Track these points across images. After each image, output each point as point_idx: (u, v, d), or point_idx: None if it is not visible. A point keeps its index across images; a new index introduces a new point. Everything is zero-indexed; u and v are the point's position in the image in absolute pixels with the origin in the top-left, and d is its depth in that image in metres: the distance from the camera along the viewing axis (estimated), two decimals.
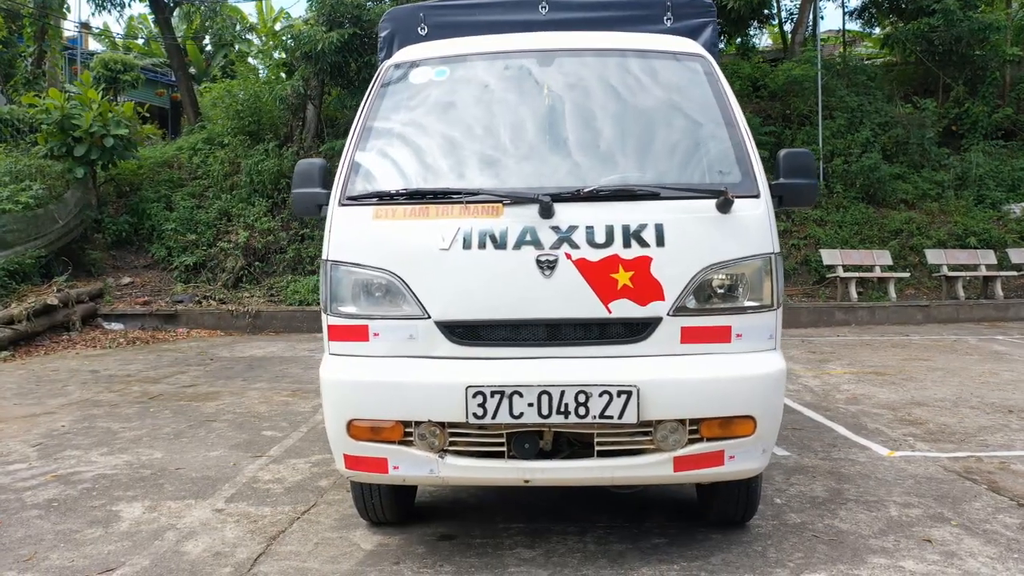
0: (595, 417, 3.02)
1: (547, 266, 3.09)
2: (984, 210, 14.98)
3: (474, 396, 3.03)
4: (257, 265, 13.51)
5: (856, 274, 13.06)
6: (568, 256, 3.09)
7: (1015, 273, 13.70)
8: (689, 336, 3.11)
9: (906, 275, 13.48)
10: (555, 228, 3.11)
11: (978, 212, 14.86)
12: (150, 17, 28.26)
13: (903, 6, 18.41)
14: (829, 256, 13.27)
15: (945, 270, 13.32)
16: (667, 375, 3.05)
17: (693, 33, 4.66)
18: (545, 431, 3.12)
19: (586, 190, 3.15)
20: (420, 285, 3.16)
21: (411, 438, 3.15)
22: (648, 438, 3.09)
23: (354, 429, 3.18)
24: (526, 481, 3.16)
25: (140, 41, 29.83)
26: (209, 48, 28.02)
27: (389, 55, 5.07)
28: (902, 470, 4.78)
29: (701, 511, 3.97)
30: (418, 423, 3.13)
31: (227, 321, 12.22)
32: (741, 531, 3.79)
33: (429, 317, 3.15)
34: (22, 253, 11.67)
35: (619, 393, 3.00)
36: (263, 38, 28.59)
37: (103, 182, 14.09)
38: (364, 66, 13.32)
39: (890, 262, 13.47)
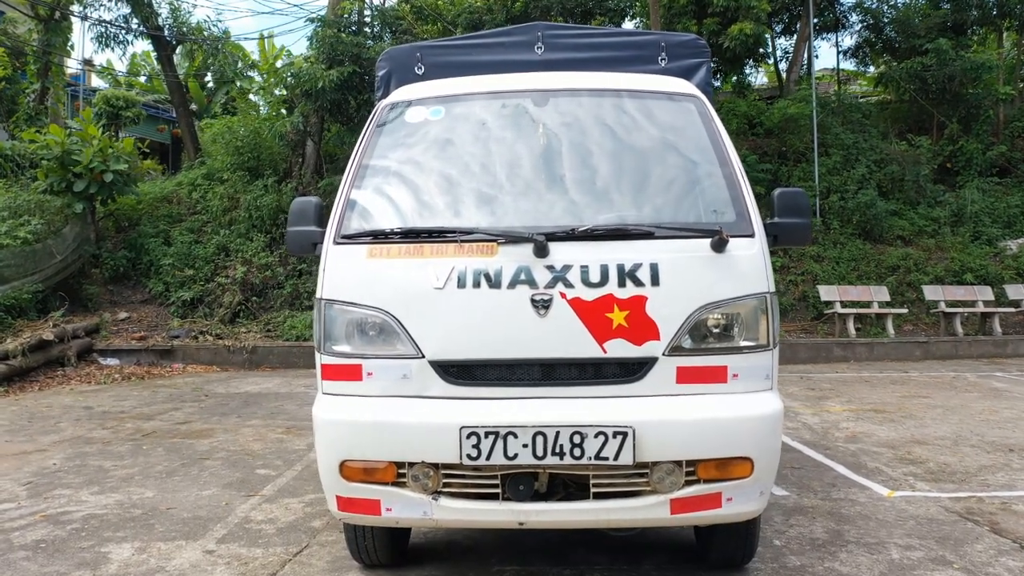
0: (591, 458, 2.99)
1: (542, 305, 3.07)
2: (980, 246, 15.03)
3: (468, 437, 3.00)
4: (255, 300, 13.50)
5: (854, 310, 13.06)
6: (563, 295, 3.07)
7: (1013, 309, 13.70)
8: (685, 376, 3.08)
9: (904, 311, 13.49)
10: (550, 267, 3.10)
11: (974, 248, 14.91)
12: (152, 54, 28.66)
13: (895, 46, 18.70)
14: (827, 292, 13.28)
15: (943, 306, 13.32)
16: (663, 416, 3.02)
17: (687, 73, 4.70)
18: (540, 472, 3.08)
19: (580, 229, 3.14)
20: (414, 324, 3.14)
21: (404, 479, 3.11)
22: (644, 480, 3.05)
23: (347, 470, 3.14)
24: (521, 524, 3.11)
25: (143, 79, 30.13)
26: (211, 85, 28.29)
27: (386, 94, 5.10)
28: (903, 511, 4.73)
29: (700, 553, 3.91)
30: (411, 464, 3.09)
31: (223, 356, 12.17)
32: (740, 574, 3.72)
33: (423, 356, 3.12)
34: (19, 288, 11.65)
35: (615, 434, 2.97)
36: (264, 75, 28.96)
37: (102, 217, 14.12)
38: (363, 103, 13.46)
39: (888, 298, 13.48)
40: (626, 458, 2.97)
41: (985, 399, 8.77)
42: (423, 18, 20.38)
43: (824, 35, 19.98)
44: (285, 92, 24.90)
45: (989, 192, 16.15)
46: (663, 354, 3.07)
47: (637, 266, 3.09)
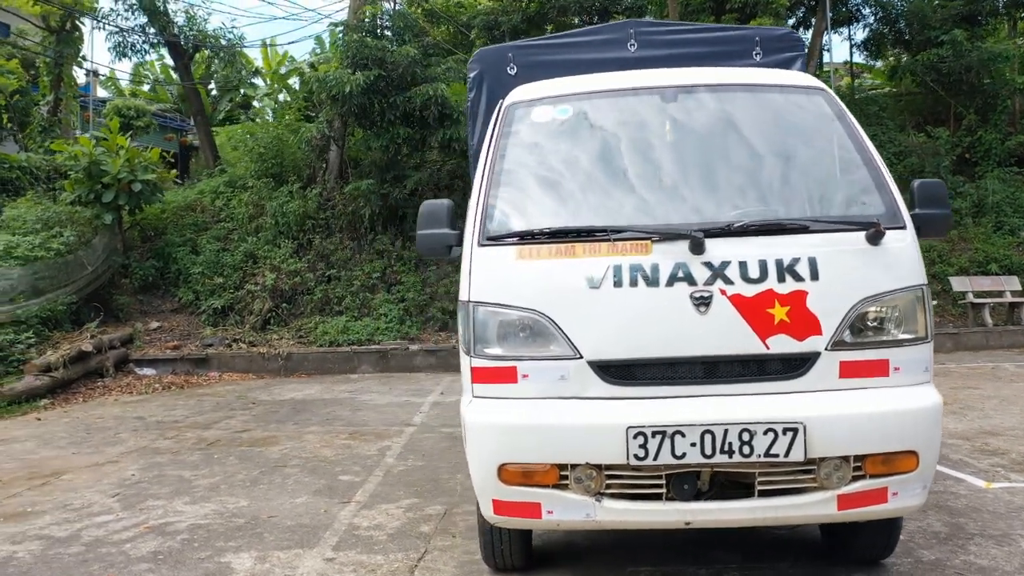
0: (760, 455, 2.97)
1: (702, 303, 3.05)
2: (1003, 236, 15.07)
3: (635, 437, 2.98)
4: (284, 307, 13.44)
5: None
6: (723, 292, 3.05)
7: None
8: (848, 371, 3.07)
9: (934, 303, 13.50)
10: (707, 264, 3.08)
11: (997, 239, 14.95)
12: (156, 63, 28.56)
13: (907, 38, 18.73)
14: None
15: (971, 297, 13.35)
16: (831, 411, 3.00)
17: (783, 67, 4.70)
18: (702, 471, 3.06)
19: (736, 225, 3.12)
20: (570, 325, 3.11)
21: (566, 481, 3.08)
22: (811, 476, 3.03)
23: (506, 473, 3.10)
24: (687, 523, 3.09)
25: (146, 88, 30.04)
26: (215, 92, 28.20)
27: (479, 95, 5.12)
28: (1010, 502, 4.72)
29: (830, 549, 3.90)
30: (574, 466, 3.06)
31: (258, 364, 12.11)
32: (881, 569, 3.72)
33: (581, 357, 3.10)
34: (53, 300, 11.58)
35: (784, 430, 2.95)
36: (267, 82, 28.90)
37: (128, 227, 14.05)
38: (388, 107, 13.40)
39: None
40: (797, 454, 2.95)
41: None
42: (434, 21, 20.39)
43: (837, 29, 20.00)
44: (289, 97, 24.90)
45: (1009, 182, 16.19)
46: (826, 349, 3.05)
47: (796, 260, 3.07)
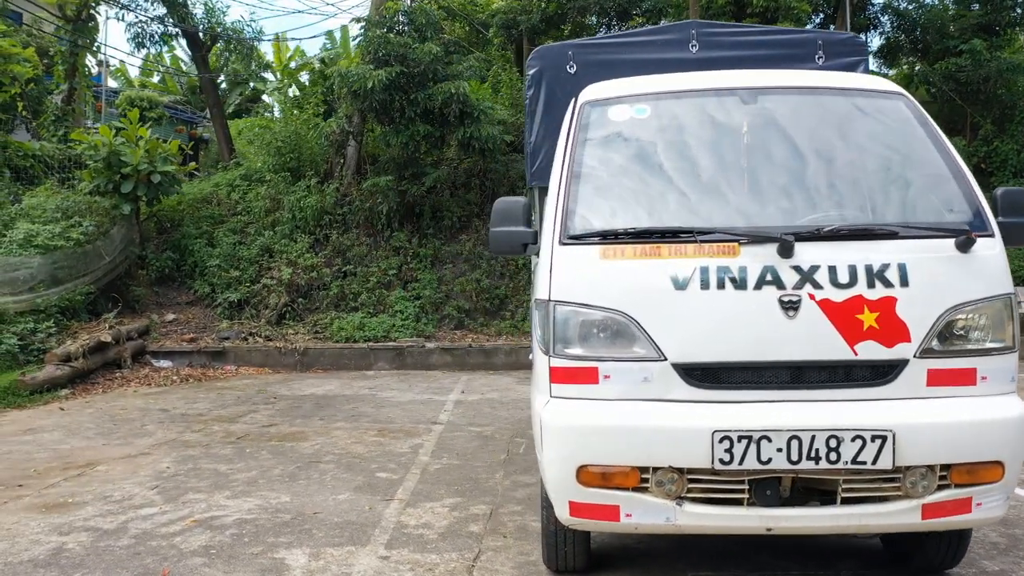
0: (847, 462, 2.93)
1: (790, 307, 3.02)
2: (1020, 248, 15.03)
3: (721, 441, 2.94)
4: (300, 301, 13.38)
5: None
6: (812, 296, 3.02)
7: None
8: (935, 379, 3.03)
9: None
10: (796, 268, 3.04)
11: (1011, 250, 14.91)
12: (167, 55, 28.50)
13: (918, 47, 18.73)
14: None
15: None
16: (920, 419, 2.96)
17: (846, 71, 4.65)
18: (783, 478, 3.03)
19: (826, 229, 3.09)
20: (654, 326, 3.07)
21: (647, 484, 3.05)
22: (895, 484, 3.00)
23: (585, 475, 3.07)
24: (768, 530, 3.06)
25: (155, 79, 29.99)
26: (224, 86, 28.13)
27: (537, 92, 5.08)
28: None
29: (891, 557, 3.87)
30: (656, 469, 3.02)
31: (274, 358, 12.06)
32: None
33: (665, 359, 3.06)
34: (72, 290, 11.52)
35: (873, 438, 2.92)
36: (278, 76, 28.82)
37: (145, 218, 13.98)
38: (408, 104, 13.34)
39: None
40: (885, 462, 2.92)
41: None
42: (450, 18, 20.35)
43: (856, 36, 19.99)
44: (299, 92, 24.84)
45: None
46: (914, 356, 3.02)
47: (885, 266, 3.04)
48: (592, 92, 3.82)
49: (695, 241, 3.11)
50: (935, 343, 3.04)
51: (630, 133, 3.56)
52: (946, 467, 2.99)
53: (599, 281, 3.15)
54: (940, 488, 3.00)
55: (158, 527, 4.57)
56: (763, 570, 3.83)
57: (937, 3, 19.15)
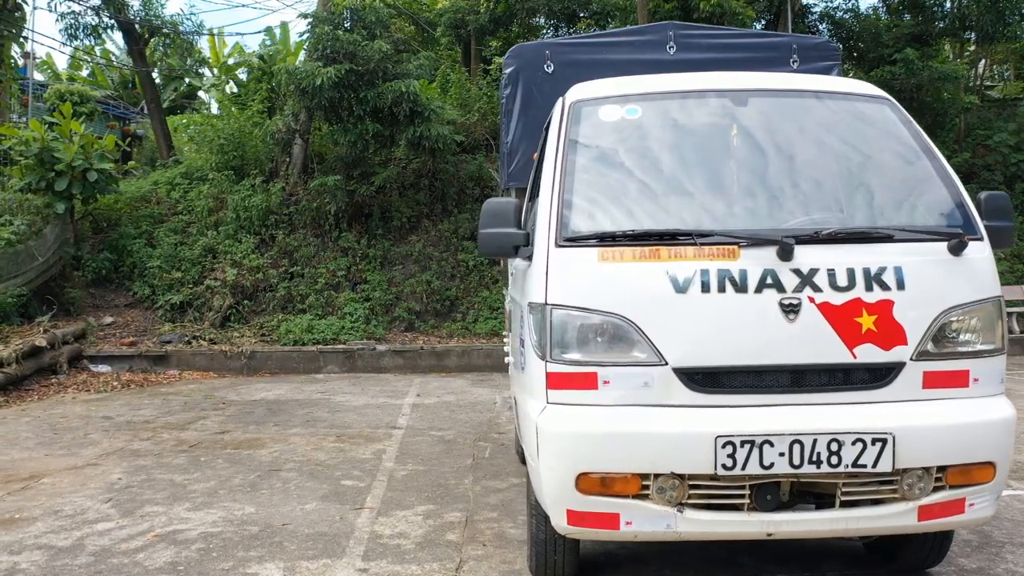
0: (847, 466, 2.94)
1: (791, 309, 3.00)
2: None
3: (723, 446, 2.91)
4: (246, 303, 13.02)
5: None
6: (811, 300, 3.01)
7: None
8: (931, 381, 3.06)
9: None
10: (796, 271, 3.03)
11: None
12: (97, 48, 27.47)
13: (855, 55, 19.28)
14: None
15: None
16: (918, 421, 2.98)
17: (820, 75, 4.69)
18: (782, 482, 3.01)
19: (825, 232, 3.09)
20: (654, 330, 3.02)
21: (647, 491, 2.99)
22: (892, 487, 3.01)
23: (584, 483, 3.00)
24: (769, 535, 3.04)
25: (84, 73, 28.90)
26: (159, 81, 27.27)
27: (514, 91, 5.00)
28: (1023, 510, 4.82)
29: (873, 558, 3.91)
30: (657, 475, 2.98)
31: (220, 362, 11.69)
32: None
33: (666, 363, 3.01)
34: (3, 292, 10.98)
35: (874, 441, 2.93)
36: (215, 72, 28.08)
37: (80, 217, 13.41)
38: (357, 102, 13.10)
39: None
40: (885, 465, 2.93)
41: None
42: (398, 15, 20.10)
43: None
44: (236, 89, 24.23)
45: None
46: (911, 359, 3.04)
47: (882, 270, 3.05)
48: (581, 91, 3.76)
49: (695, 244, 3.08)
50: (930, 345, 3.07)
51: (622, 134, 3.51)
52: (942, 469, 3.02)
53: (597, 284, 3.08)
54: (936, 490, 3.03)
55: (117, 543, 4.33)
56: (748, 573, 3.82)
57: (871, 13, 19.77)
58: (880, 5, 20.39)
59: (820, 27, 19.81)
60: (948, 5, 18.87)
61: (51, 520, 4.75)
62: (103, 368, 11.27)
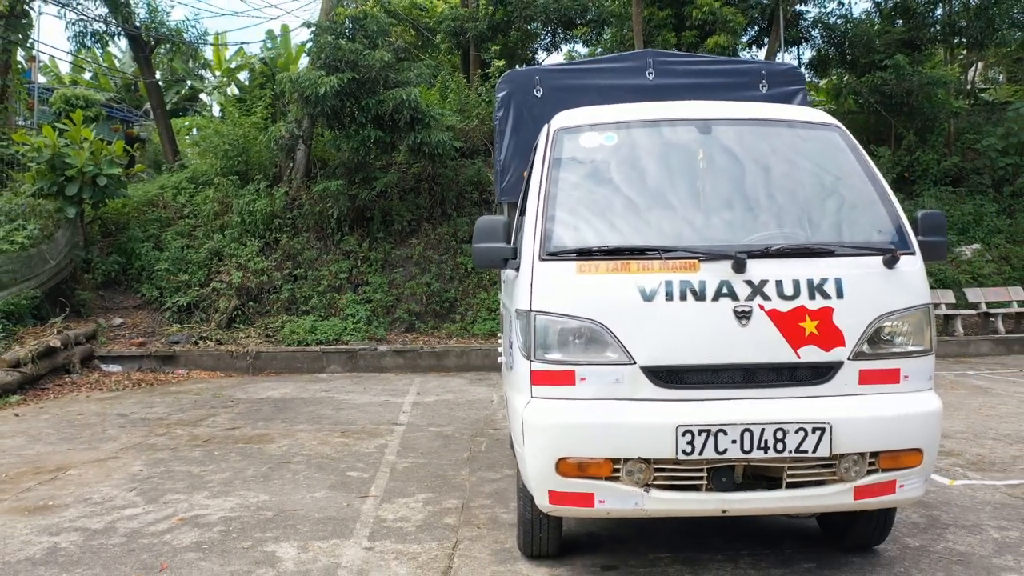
0: (791, 452, 3.37)
1: (743, 316, 3.44)
2: None
3: (683, 434, 3.35)
4: (251, 305, 13.46)
5: None
6: (761, 307, 3.45)
7: (973, 312, 14.70)
8: (866, 378, 3.50)
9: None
10: (748, 282, 3.47)
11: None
12: (98, 52, 27.88)
13: (847, 60, 19.73)
14: None
15: None
16: (853, 413, 3.42)
17: (786, 99, 5.15)
18: (737, 465, 3.45)
19: (774, 247, 3.52)
20: (625, 334, 3.46)
21: (618, 474, 3.43)
22: (831, 470, 3.45)
23: (563, 467, 3.44)
24: (724, 511, 3.47)
25: (87, 76, 29.29)
26: (161, 84, 27.68)
27: (506, 114, 5.43)
28: (973, 497, 5.25)
29: (828, 538, 4.34)
30: (626, 460, 3.41)
31: (226, 362, 12.13)
32: (874, 555, 4.17)
33: (635, 363, 3.45)
34: (17, 294, 11.41)
35: (814, 430, 3.36)
36: (216, 75, 28.50)
37: (90, 221, 13.85)
38: (359, 109, 13.53)
39: None
40: (823, 451, 3.37)
41: (974, 396, 9.48)
42: (398, 22, 20.51)
43: (788, 48, 20.89)
44: (237, 91, 24.65)
45: (944, 200, 17.21)
46: (848, 358, 3.48)
47: (824, 280, 3.49)
48: (564, 119, 4.20)
49: (660, 258, 3.52)
50: (866, 347, 3.50)
51: (600, 158, 3.95)
52: (875, 454, 3.45)
53: (575, 293, 3.52)
54: (869, 472, 3.47)
55: (145, 526, 4.77)
56: (716, 551, 4.26)
57: (864, 19, 20.19)
58: (873, 10, 20.81)
59: (812, 33, 20.23)
60: (939, 12, 19.34)
61: (82, 507, 5.19)
62: (114, 368, 11.71)
